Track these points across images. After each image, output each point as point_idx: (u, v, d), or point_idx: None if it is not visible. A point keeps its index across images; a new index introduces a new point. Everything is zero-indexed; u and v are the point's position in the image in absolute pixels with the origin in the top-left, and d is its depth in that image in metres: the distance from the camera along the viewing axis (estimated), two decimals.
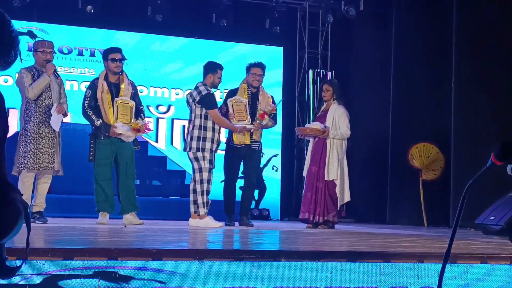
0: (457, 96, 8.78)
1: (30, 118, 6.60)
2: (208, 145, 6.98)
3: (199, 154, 6.96)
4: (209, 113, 7.03)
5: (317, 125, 7.47)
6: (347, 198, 7.48)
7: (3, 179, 1.55)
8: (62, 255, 2.95)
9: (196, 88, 7.13)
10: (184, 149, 7.22)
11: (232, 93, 7.56)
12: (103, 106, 6.81)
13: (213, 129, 7.04)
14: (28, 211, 1.66)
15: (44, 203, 6.67)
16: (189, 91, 7.37)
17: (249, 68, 7.54)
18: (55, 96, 6.73)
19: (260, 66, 7.57)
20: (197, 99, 7.04)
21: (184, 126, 11.09)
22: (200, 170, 6.95)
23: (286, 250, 3.51)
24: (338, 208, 7.49)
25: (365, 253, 3.51)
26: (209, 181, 6.97)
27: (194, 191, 7.01)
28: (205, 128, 7.01)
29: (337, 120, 7.45)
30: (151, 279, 3.00)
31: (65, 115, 6.83)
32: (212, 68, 7.21)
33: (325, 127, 7.44)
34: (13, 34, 1.66)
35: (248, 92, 7.49)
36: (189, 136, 7.07)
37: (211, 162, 7.01)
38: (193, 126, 7.05)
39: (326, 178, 7.39)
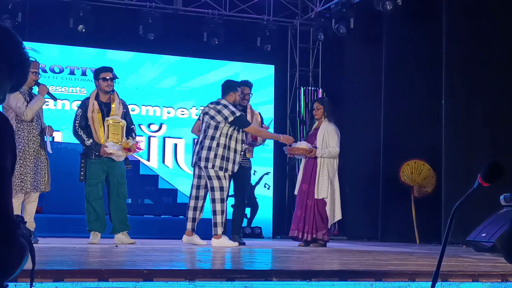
0: (448, 112, 8.82)
1: (21, 139, 6.50)
2: (230, 166, 6.91)
3: (221, 174, 6.88)
4: (248, 130, 7.04)
5: (303, 144, 7.48)
6: (338, 217, 7.46)
7: (10, 215, 1.51)
8: (52, 276, 2.94)
9: (226, 107, 6.98)
10: (196, 164, 6.97)
11: None
12: (93, 126, 6.80)
13: (235, 151, 7.01)
14: (32, 240, 1.62)
15: (33, 223, 6.63)
16: (212, 106, 7.04)
17: (237, 88, 7.35)
18: (42, 117, 6.72)
19: (248, 84, 7.59)
20: (230, 119, 6.93)
21: (176, 145, 11.10)
22: (221, 189, 6.86)
23: (277, 270, 3.50)
24: (329, 227, 7.47)
25: (356, 272, 3.51)
26: (225, 201, 6.96)
27: (195, 208, 6.97)
28: (229, 148, 6.96)
29: (327, 138, 7.45)
30: None
31: (51, 135, 6.85)
32: (233, 86, 7.18)
33: (315, 147, 7.45)
34: (25, 56, 1.62)
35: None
36: (212, 153, 6.88)
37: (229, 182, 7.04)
38: (218, 144, 6.91)
39: (316, 196, 7.39)
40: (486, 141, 8.41)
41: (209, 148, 6.92)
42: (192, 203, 7.03)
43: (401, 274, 3.47)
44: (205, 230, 7.37)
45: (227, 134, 6.96)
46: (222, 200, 6.86)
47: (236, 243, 6.95)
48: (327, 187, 7.38)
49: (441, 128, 8.86)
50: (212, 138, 6.95)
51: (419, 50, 9.74)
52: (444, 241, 1.91)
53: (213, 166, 6.87)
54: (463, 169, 8.28)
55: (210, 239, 6.92)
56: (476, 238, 6.24)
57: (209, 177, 6.90)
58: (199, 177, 7.02)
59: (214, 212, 6.86)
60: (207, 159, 6.91)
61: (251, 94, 7.61)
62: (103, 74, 6.92)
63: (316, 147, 7.44)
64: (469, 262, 4.72)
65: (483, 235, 6.06)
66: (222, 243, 6.80)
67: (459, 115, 8.73)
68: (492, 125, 8.48)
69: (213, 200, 6.87)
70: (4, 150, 1.53)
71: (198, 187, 7.04)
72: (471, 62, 8.67)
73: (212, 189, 6.89)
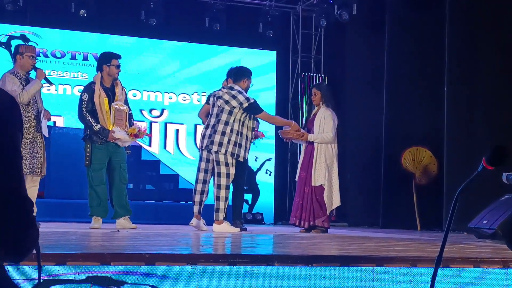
0: (450, 100, 8.80)
1: None
2: (242, 153, 6.92)
3: (231, 160, 6.86)
4: (260, 116, 7.08)
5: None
6: (336, 203, 7.43)
7: (26, 195, 1.53)
8: (54, 260, 2.94)
9: (241, 93, 6.97)
10: (205, 147, 6.92)
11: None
12: (101, 111, 6.77)
13: (247, 137, 7.02)
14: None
15: (35, 207, 6.65)
16: (225, 91, 7.01)
17: (250, 75, 7.28)
18: (40, 101, 6.71)
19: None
20: (245, 105, 6.91)
21: (177, 130, 11.10)
22: (227, 175, 6.85)
23: (279, 255, 3.50)
24: (327, 214, 7.44)
25: (358, 257, 3.51)
26: (229, 187, 6.97)
27: (202, 192, 6.98)
28: (241, 135, 6.95)
29: (323, 123, 7.44)
30: (144, 284, 2.99)
31: (49, 120, 6.83)
32: (246, 73, 7.20)
33: (313, 133, 7.44)
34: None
35: None
36: (226, 138, 6.85)
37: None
38: (232, 130, 6.89)
39: (312, 184, 7.38)
40: (488, 127, 8.39)
41: (223, 133, 6.89)
42: (199, 187, 7.01)
43: (403, 260, 3.47)
44: (208, 215, 7.37)
45: (240, 120, 6.95)
46: (227, 187, 6.87)
47: (238, 229, 6.96)
48: (324, 174, 7.36)
49: (443, 114, 8.85)
50: (226, 123, 6.92)
51: (422, 36, 9.71)
52: (448, 225, 1.91)
53: (225, 152, 6.84)
54: (464, 155, 8.27)
55: (212, 224, 6.93)
56: (477, 225, 6.25)
57: (218, 162, 6.87)
58: (208, 160, 6.99)
59: (218, 198, 6.86)
60: (220, 144, 6.87)
61: (251, 84, 7.60)
62: (116, 61, 6.90)
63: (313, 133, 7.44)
64: (471, 248, 4.73)
65: (485, 222, 6.07)
66: (224, 228, 6.81)
67: (461, 102, 8.71)
68: (494, 111, 8.46)
69: (218, 186, 6.86)
70: (16, 132, 1.55)
71: (206, 171, 7.00)
72: (474, 48, 8.64)
73: (219, 174, 6.87)
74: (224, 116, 6.94)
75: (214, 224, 6.89)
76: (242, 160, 7.02)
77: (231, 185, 7.17)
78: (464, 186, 1.88)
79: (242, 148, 6.93)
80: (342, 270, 3.30)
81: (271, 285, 3.17)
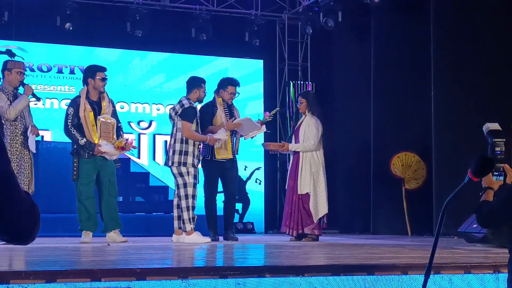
0: (437, 105, 8.84)
1: (6, 138, 6.47)
2: (190, 159, 6.96)
3: (183, 169, 6.93)
4: (182, 123, 6.97)
5: (223, 133, 7.32)
6: (323, 211, 7.41)
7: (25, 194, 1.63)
8: (44, 277, 2.93)
9: (180, 102, 7.12)
10: (166, 164, 7.15)
11: (208, 107, 7.52)
12: (86, 125, 6.76)
13: (194, 143, 7.03)
14: None
15: None
16: (172, 106, 7.35)
17: (225, 85, 7.51)
18: (28, 117, 6.69)
19: (237, 84, 7.59)
20: (179, 112, 7.03)
21: (166, 142, 11.08)
22: (185, 185, 6.92)
23: (270, 266, 3.50)
24: (315, 221, 7.41)
25: (349, 266, 3.51)
26: (194, 196, 6.94)
27: (178, 206, 6.98)
28: (187, 142, 6.99)
29: (307, 131, 7.48)
30: None
31: (37, 135, 6.81)
32: (196, 83, 7.23)
33: (298, 141, 7.50)
34: None
35: (224, 106, 7.53)
36: (171, 150, 7.03)
37: (195, 177, 6.99)
38: (175, 140, 7.02)
39: (299, 192, 7.40)
40: (476, 132, 8.42)
41: (170, 146, 7.11)
42: (175, 201, 7.07)
43: (394, 268, 3.48)
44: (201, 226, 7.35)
45: (181, 128, 6.99)
46: (187, 197, 6.90)
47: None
48: (309, 182, 7.38)
49: (431, 120, 8.88)
50: (171, 135, 7.12)
51: (408, 43, 9.75)
52: (436, 238, 1.92)
53: (172, 163, 6.97)
54: (453, 161, 8.30)
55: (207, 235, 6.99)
56: (467, 230, 6.28)
57: (173, 175, 7.02)
58: (173, 175, 7.10)
59: (178, 206, 6.96)
60: (168, 158, 7.06)
61: (237, 94, 7.62)
62: (100, 74, 6.90)
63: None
64: (461, 253, 4.74)
65: (474, 226, 6.09)
66: (194, 239, 6.81)
67: (449, 107, 8.75)
68: (481, 116, 8.49)
69: (179, 197, 6.94)
70: (6, 152, 1.61)
71: (175, 185, 7.10)
72: (460, 55, 8.68)
73: (177, 186, 6.99)
74: (172, 130, 7.13)
75: (184, 235, 6.91)
76: (196, 167, 7.02)
77: (222, 194, 7.18)
78: (452, 197, 1.89)
79: (189, 155, 6.97)
80: (333, 279, 3.30)
81: None
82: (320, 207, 7.38)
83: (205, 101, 7.52)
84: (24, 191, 1.62)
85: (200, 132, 7.14)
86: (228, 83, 7.50)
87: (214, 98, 7.58)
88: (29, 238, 1.62)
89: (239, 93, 7.64)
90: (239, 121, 7.41)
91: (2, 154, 1.57)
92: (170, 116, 7.20)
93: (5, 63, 6.79)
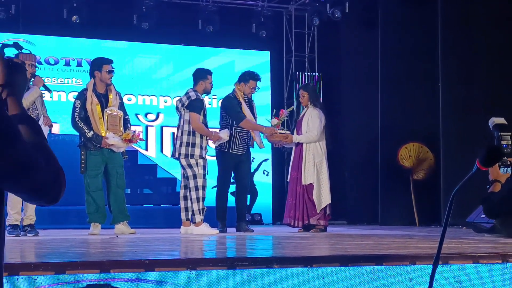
0: (445, 95, 8.82)
1: None
2: (197, 151, 6.96)
3: (192, 161, 6.94)
4: (190, 115, 6.98)
5: (225, 133, 7.30)
6: (326, 201, 7.42)
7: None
8: (53, 269, 2.94)
9: (187, 93, 7.13)
10: (173, 155, 7.15)
11: (233, 99, 7.51)
12: (93, 118, 6.78)
13: (201, 135, 7.04)
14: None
15: (34, 215, 6.64)
16: (178, 98, 7.35)
17: (247, 79, 7.53)
18: (40, 108, 6.71)
19: (259, 79, 7.62)
20: (186, 104, 7.02)
21: (173, 134, 11.08)
22: (195, 176, 6.92)
23: (278, 257, 3.51)
24: (318, 212, 7.42)
25: (357, 256, 3.51)
26: (204, 187, 6.95)
27: (186, 198, 6.99)
28: (194, 134, 7.00)
29: (310, 122, 7.49)
30: None
31: (50, 126, 6.81)
32: (202, 74, 7.23)
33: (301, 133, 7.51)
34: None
35: (245, 99, 7.55)
36: (178, 142, 7.04)
37: (204, 167, 7.00)
38: (182, 132, 7.02)
39: (303, 182, 7.43)
40: (484, 122, 8.40)
41: (177, 138, 7.10)
42: (181, 193, 7.08)
43: (402, 258, 3.48)
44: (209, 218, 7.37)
45: (189, 120, 6.99)
46: (197, 188, 6.91)
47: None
48: (313, 172, 7.40)
49: (438, 111, 8.87)
50: (178, 127, 7.12)
51: (415, 33, 9.72)
52: (444, 228, 1.91)
53: (179, 155, 6.97)
54: (460, 150, 8.29)
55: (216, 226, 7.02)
56: (475, 220, 6.27)
57: (182, 167, 7.02)
58: (182, 167, 7.10)
59: (185, 198, 6.96)
60: (176, 149, 7.06)
61: (257, 88, 7.65)
62: (107, 66, 6.91)
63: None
64: (469, 243, 4.74)
65: (482, 216, 6.08)
66: (202, 230, 6.82)
67: (456, 98, 8.73)
68: (489, 106, 8.47)
69: (189, 189, 6.95)
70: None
71: (183, 176, 7.11)
72: (467, 45, 8.66)
73: (187, 178, 6.99)
74: (179, 122, 7.13)
75: (192, 226, 6.92)
76: (205, 158, 7.02)
77: (232, 186, 7.20)
78: (459, 187, 1.89)
79: (197, 147, 6.97)
80: (341, 270, 3.30)
81: None
82: (323, 197, 7.40)
83: (225, 93, 7.56)
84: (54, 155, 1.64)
85: (226, 122, 7.29)
86: (250, 77, 7.52)
87: (234, 90, 7.59)
88: (52, 195, 1.62)
89: (259, 88, 7.69)
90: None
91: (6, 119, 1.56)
92: (177, 108, 7.20)
93: (17, 56, 6.81)
